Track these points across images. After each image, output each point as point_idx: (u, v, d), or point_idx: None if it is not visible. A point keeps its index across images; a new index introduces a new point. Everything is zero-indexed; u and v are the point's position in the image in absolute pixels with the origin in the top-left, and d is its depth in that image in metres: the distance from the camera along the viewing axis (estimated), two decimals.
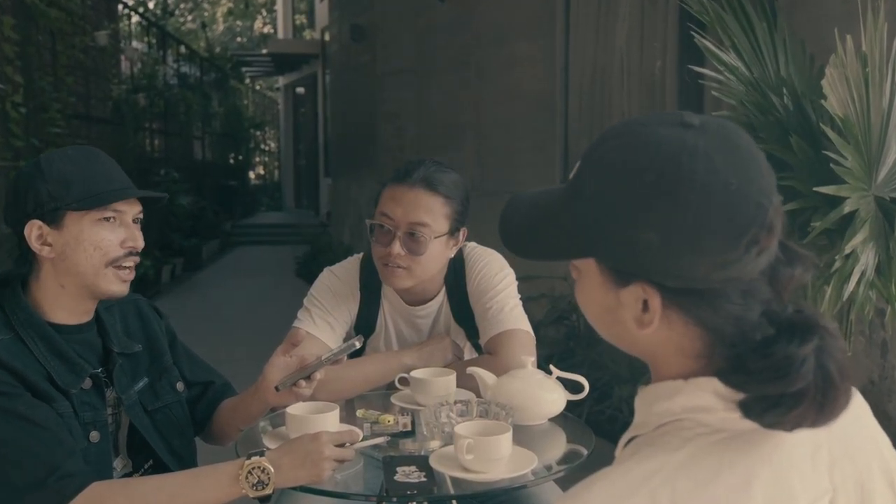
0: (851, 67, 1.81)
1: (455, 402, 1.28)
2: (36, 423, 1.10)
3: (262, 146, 19.01)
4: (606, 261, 0.65)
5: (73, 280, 1.20)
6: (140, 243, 1.23)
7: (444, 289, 1.58)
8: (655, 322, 0.64)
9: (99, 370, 1.23)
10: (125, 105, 7.71)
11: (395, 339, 1.61)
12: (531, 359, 1.39)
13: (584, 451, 1.24)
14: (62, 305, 1.21)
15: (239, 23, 20.47)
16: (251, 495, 1.10)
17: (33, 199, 1.17)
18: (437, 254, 1.48)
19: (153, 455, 1.29)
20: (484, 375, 1.37)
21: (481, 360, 1.49)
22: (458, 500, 1.19)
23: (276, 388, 1.27)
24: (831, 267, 1.74)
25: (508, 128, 4.85)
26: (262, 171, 19.34)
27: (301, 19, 16.22)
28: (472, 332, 1.59)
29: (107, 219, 1.20)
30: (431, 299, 1.58)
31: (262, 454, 1.11)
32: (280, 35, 16.58)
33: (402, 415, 1.33)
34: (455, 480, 1.13)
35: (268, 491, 1.10)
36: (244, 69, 14.83)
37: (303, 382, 1.26)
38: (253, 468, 1.09)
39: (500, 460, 1.12)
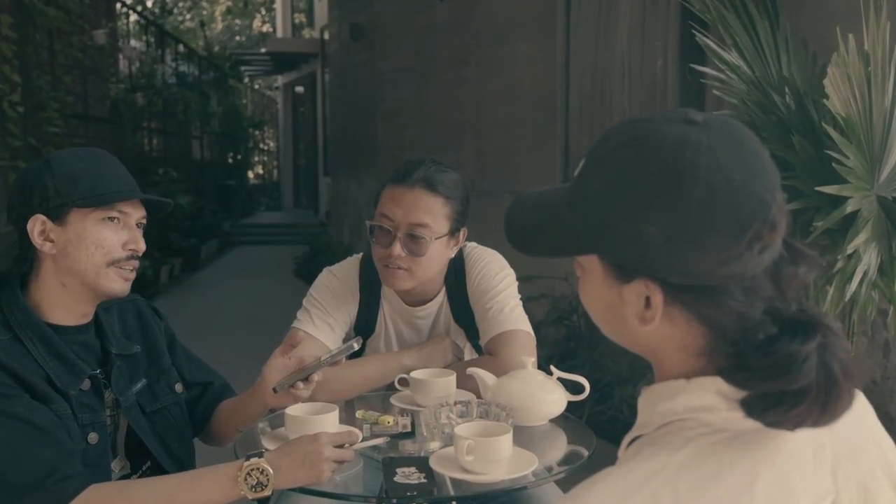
0: (854, 66, 1.80)
1: (455, 403, 1.28)
2: (34, 424, 1.10)
3: (261, 145, 19.01)
4: (609, 257, 0.65)
5: (73, 279, 1.20)
6: (141, 247, 1.24)
7: (444, 289, 1.58)
8: (657, 319, 0.64)
9: (97, 371, 1.23)
10: (123, 104, 7.70)
11: (395, 340, 1.61)
12: (531, 359, 1.39)
13: (585, 453, 1.24)
14: (62, 305, 1.21)
15: (238, 21, 20.48)
16: (250, 496, 1.10)
17: (39, 193, 1.18)
18: (437, 254, 1.47)
19: (151, 457, 1.29)
20: (484, 376, 1.37)
21: (481, 361, 1.48)
22: (459, 501, 1.18)
23: (274, 390, 1.26)
24: (833, 267, 1.74)
25: (508, 127, 4.85)
26: (261, 171, 19.33)
27: (300, 18, 16.21)
28: (472, 333, 1.58)
29: (111, 219, 1.20)
30: (431, 300, 1.58)
31: (261, 455, 1.11)
32: (279, 34, 16.57)
33: (402, 416, 1.33)
34: (455, 482, 1.13)
35: (267, 492, 1.10)
36: (243, 68, 14.82)
37: (301, 384, 1.26)
38: (252, 469, 1.09)
39: (501, 461, 1.11)
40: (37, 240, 1.18)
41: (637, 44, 3.79)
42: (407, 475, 1.12)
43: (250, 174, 17.39)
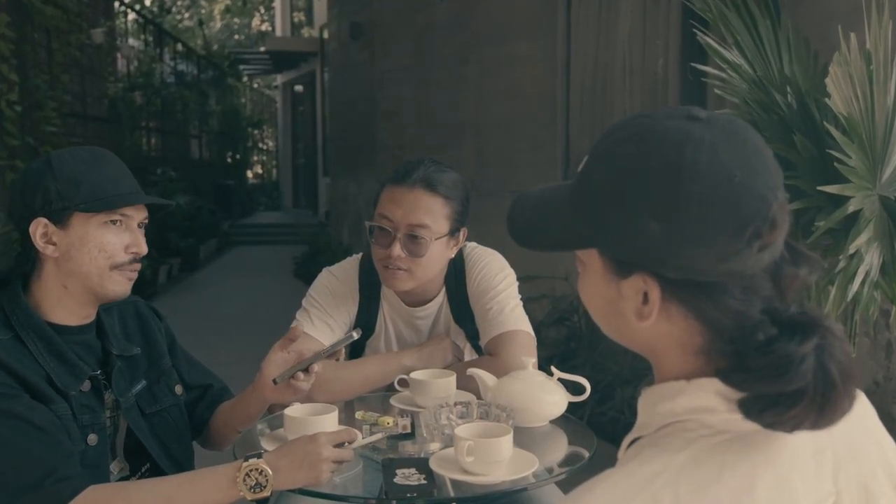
0: (855, 65, 1.79)
1: (455, 404, 1.27)
2: (34, 424, 1.09)
3: (260, 145, 19.00)
4: (608, 251, 0.66)
5: (75, 281, 1.19)
6: (143, 249, 1.23)
7: (444, 289, 1.57)
8: (654, 315, 0.64)
9: (98, 372, 1.23)
10: (121, 103, 7.70)
11: (395, 341, 1.60)
12: (532, 360, 1.38)
13: (586, 454, 1.23)
14: (64, 306, 1.21)
15: (236, 20, 20.47)
16: (249, 497, 1.09)
17: (42, 196, 1.17)
18: (437, 255, 1.46)
19: (151, 458, 1.28)
20: (484, 377, 1.36)
21: (482, 362, 1.48)
22: (459, 502, 1.17)
23: (275, 381, 1.26)
24: (835, 267, 1.73)
25: (509, 127, 4.84)
26: (260, 171, 19.32)
27: (299, 17, 16.20)
28: (472, 333, 1.58)
29: (113, 222, 1.20)
30: (431, 300, 1.57)
31: (259, 456, 1.10)
32: (278, 33, 16.56)
33: (402, 417, 1.32)
34: (455, 483, 1.12)
35: (266, 493, 1.09)
36: (242, 67, 14.81)
37: (301, 375, 1.25)
38: (251, 470, 1.09)
39: (501, 462, 1.11)
40: (39, 242, 1.18)
41: (638, 43, 3.78)
42: (407, 476, 1.12)
43: (249, 174, 17.39)
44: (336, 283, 1.56)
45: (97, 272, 1.19)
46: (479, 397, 1.37)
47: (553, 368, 1.37)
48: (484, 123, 5.15)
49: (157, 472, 1.28)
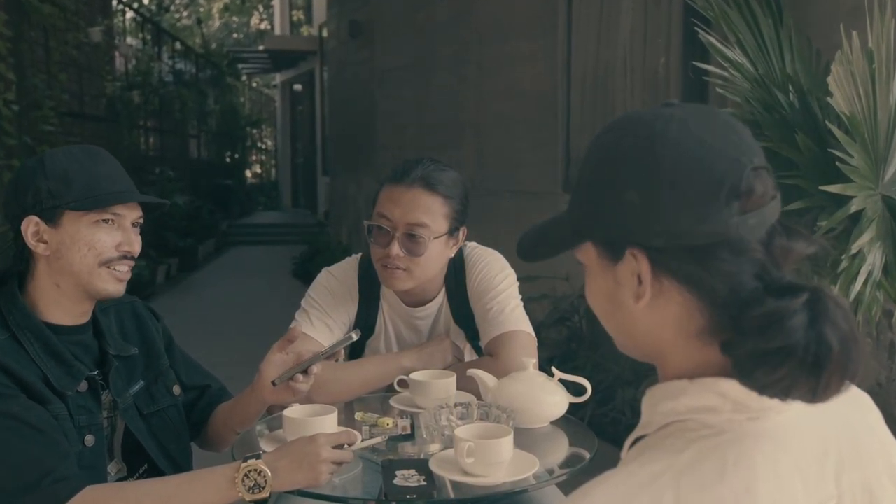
0: (858, 64, 1.79)
1: (455, 405, 1.27)
2: (30, 425, 1.09)
3: (259, 144, 18.99)
4: (598, 234, 0.68)
5: (67, 279, 1.19)
6: (136, 248, 1.22)
7: (443, 289, 1.56)
8: (649, 291, 0.65)
9: (95, 373, 1.22)
10: (119, 102, 7.68)
11: (395, 341, 1.60)
12: (533, 361, 1.38)
13: (587, 455, 1.23)
14: (59, 305, 1.21)
15: (235, 19, 20.45)
16: (248, 498, 1.09)
17: (33, 195, 1.17)
18: (436, 254, 1.46)
19: (148, 459, 1.28)
20: (484, 377, 1.36)
21: (482, 362, 1.47)
22: None
23: (273, 383, 1.25)
24: (838, 267, 1.73)
25: (509, 126, 4.84)
26: (258, 170, 19.31)
27: (298, 15, 16.18)
28: (472, 334, 1.57)
29: (105, 221, 1.19)
30: (431, 300, 1.56)
31: (258, 457, 1.10)
32: (277, 31, 16.54)
33: (402, 418, 1.32)
34: (455, 484, 1.12)
35: (265, 494, 1.09)
36: (240, 66, 14.80)
37: (300, 376, 1.25)
38: (249, 471, 1.08)
39: (501, 464, 1.11)
40: (30, 241, 1.18)
41: (639, 41, 3.77)
42: (406, 478, 1.12)
43: (248, 173, 17.38)
44: (335, 283, 1.55)
45: (87, 270, 1.18)
46: (479, 398, 1.36)
47: (554, 369, 1.37)
48: (484, 123, 5.14)
49: (154, 472, 1.27)
